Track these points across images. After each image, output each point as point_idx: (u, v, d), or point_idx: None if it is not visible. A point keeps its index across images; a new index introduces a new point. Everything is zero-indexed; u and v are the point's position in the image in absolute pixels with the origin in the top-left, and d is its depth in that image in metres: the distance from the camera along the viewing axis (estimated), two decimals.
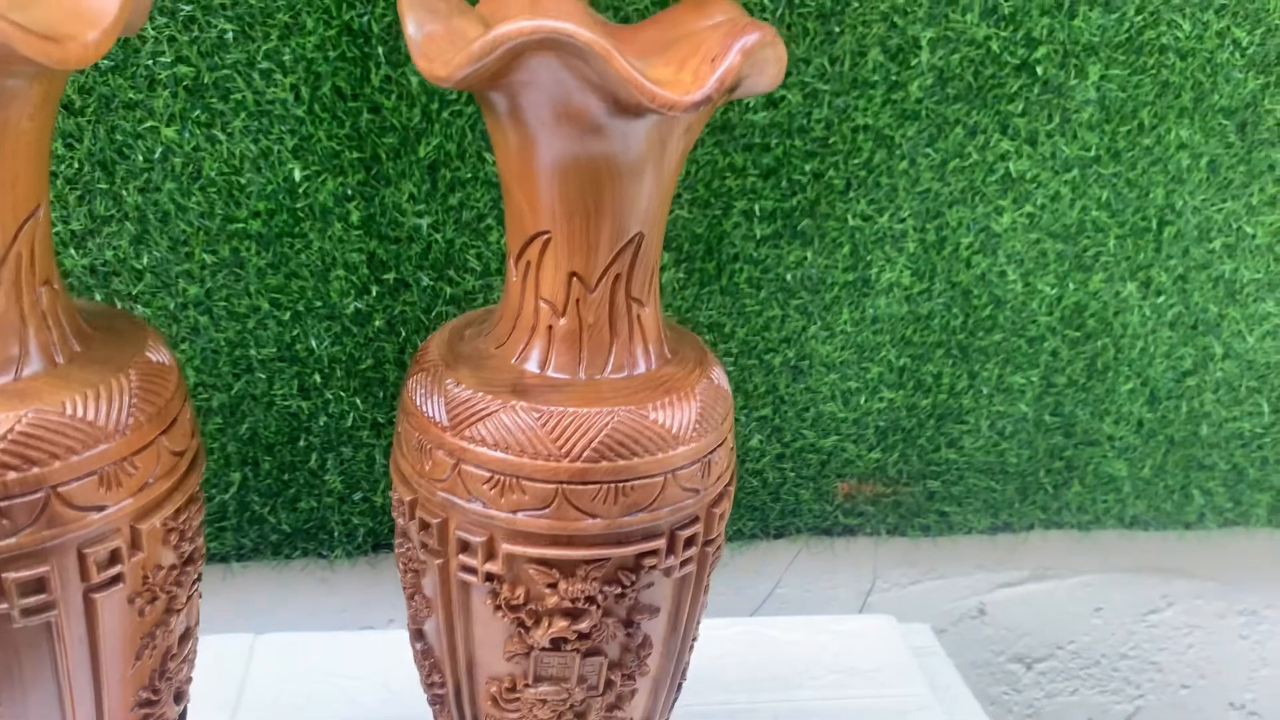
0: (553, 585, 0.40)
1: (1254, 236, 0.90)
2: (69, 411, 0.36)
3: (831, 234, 0.82)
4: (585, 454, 0.38)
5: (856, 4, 0.75)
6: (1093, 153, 0.84)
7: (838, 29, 0.76)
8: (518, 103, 0.36)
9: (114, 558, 0.38)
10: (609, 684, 0.43)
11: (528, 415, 0.39)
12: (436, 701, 0.48)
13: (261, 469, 0.81)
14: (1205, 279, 0.91)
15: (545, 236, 0.39)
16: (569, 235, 0.39)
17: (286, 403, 0.79)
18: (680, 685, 0.48)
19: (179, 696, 0.45)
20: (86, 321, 0.40)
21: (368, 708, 0.67)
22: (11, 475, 0.34)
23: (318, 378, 0.79)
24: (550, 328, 0.40)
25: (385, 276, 0.77)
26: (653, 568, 0.41)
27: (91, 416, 0.36)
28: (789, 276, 0.83)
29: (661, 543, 0.40)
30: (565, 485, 0.38)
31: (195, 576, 0.43)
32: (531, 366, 0.41)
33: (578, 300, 0.40)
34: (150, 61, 0.69)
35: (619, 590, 0.40)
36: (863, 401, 0.89)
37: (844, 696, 0.72)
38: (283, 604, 0.87)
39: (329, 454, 0.81)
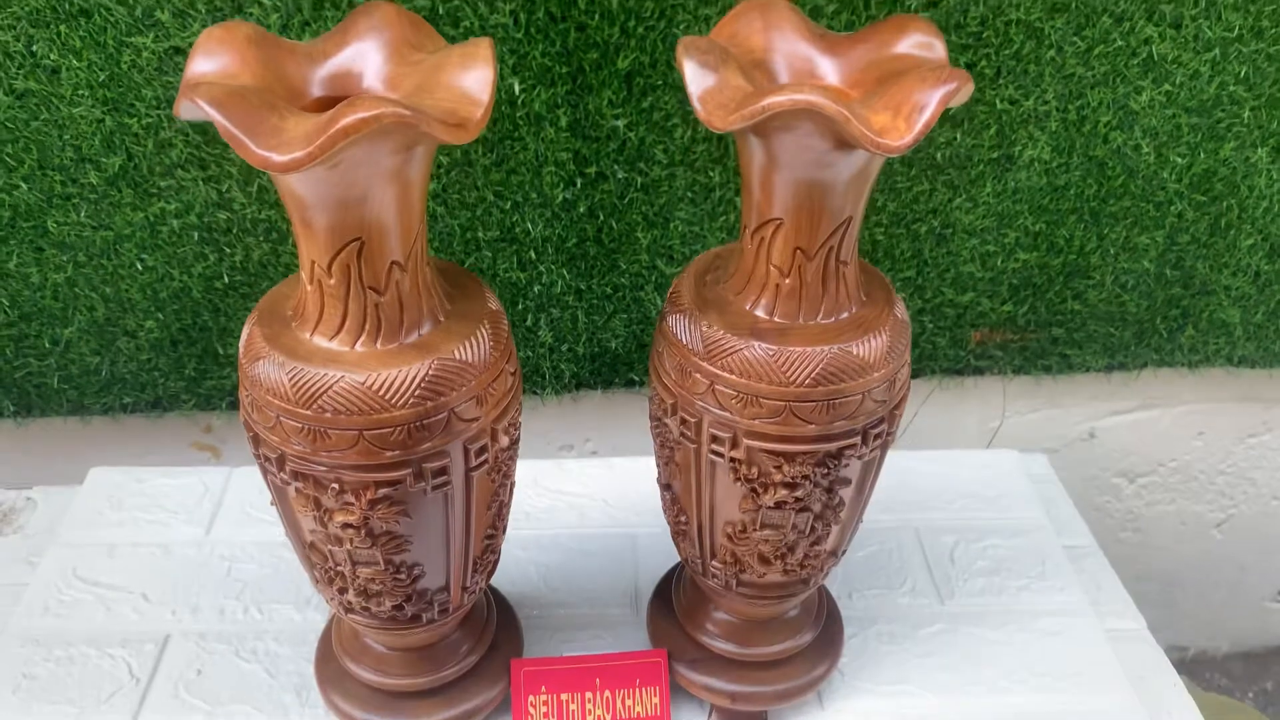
0: (778, 467, 0.56)
1: None
2: (456, 357, 0.52)
3: (980, 117, 0.91)
4: (807, 381, 0.53)
5: None
6: (1235, 32, 0.89)
7: None
8: (769, 139, 0.48)
9: (482, 449, 0.55)
10: (812, 529, 0.60)
11: (764, 352, 0.53)
12: (680, 534, 0.65)
13: None
14: None
15: (777, 222, 0.52)
16: (796, 223, 0.52)
17: (508, 274, 0.95)
18: (859, 525, 0.65)
19: (503, 532, 0.64)
20: (445, 280, 0.56)
21: (594, 520, 0.87)
22: (429, 404, 0.51)
23: (532, 254, 0.94)
24: (778, 285, 0.54)
25: (587, 170, 0.90)
26: (850, 455, 0.56)
27: (469, 359, 0.53)
28: (938, 155, 0.93)
29: (857, 439, 0.56)
30: (791, 403, 0.53)
31: (515, 455, 0.60)
32: (762, 313, 0.55)
33: (800, 266, 0.53)
34: None
35: (825, 470, 0.56)
36: (999, 263, 1.00)
37: (972, 518, 0.88)
38: None
39: (541, 314, 0.98)
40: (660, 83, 0.86)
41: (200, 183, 0.87)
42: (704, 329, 0.55)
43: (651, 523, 0.86)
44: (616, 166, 0.90)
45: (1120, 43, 0.89)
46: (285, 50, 0.49)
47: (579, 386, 1.04)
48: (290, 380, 0.50)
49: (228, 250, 0.91)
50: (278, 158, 0.42)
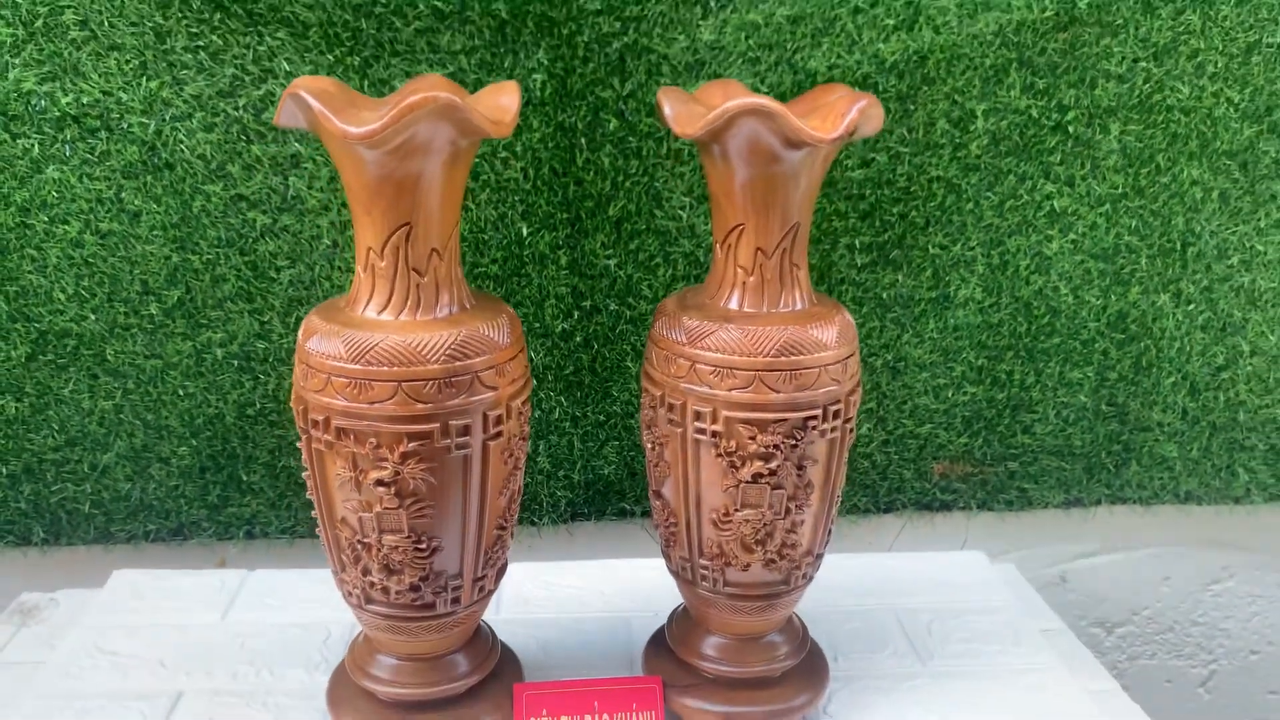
0: (752, 437, 0.65)
1: (1265, 253, 1.11)
2: (481, 331, 0.63)
3: (916, 261, 1.07)
4: (772, 352, 0.64)
5: (926, 88, 1.01)
6: (1120, 190, 1.07)
7: (912, 107, 1.02)
8: (727, 146, 0.63)
9: (499, 420, 0.64)
10: (787, 511, 0.67)
11: (737, 331, 0.64)
12: (670, 539, 0.72)
13: None
14: (1228, 289, 1.12)
15: (740, 226, 0.65)
16: (755, 225, 0.65)
17: None
18: (830, 531, 0.72)
19: (510, 533, 0.71)
20: (471, 290, 0.68)
21: (592, 606, 0.92)
22: (457, 363, 0.61)
23: (533, 381, 1.06)
24: (744, 282, 0.66)
25: (583, 304, 1.04)
26: (814, 429, 0.65)
27: (492, 335, 0.63)
28: (884, 295, 1.08)
29: (819, 412, 0.65)
30: (760, 372, 0.64)
31: (525, 449, 0.69)
32: (733, 306, 0.67)
33: (761, 265, 0.66)
34: None
35: (793, 442, 0.65)
36: (950, 395, 1.12)
37: (946, 601, 0.94)
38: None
39: (540, 441, 1.08)
40: (644, 228, 1.03)
41: (246, 314, 1.00)
42: (685, 321, 0.66)
43: (646, 609, 0.91)
44: (609, 300, 1.04)
45: (1026, 197, 1.07)
46: (358, 96, 0.65)
47: (574, 516, 1.12)
48: (344, 342, 0.61)
49: (262, 378, 1.03)
50: (355, 129, 0.56)
